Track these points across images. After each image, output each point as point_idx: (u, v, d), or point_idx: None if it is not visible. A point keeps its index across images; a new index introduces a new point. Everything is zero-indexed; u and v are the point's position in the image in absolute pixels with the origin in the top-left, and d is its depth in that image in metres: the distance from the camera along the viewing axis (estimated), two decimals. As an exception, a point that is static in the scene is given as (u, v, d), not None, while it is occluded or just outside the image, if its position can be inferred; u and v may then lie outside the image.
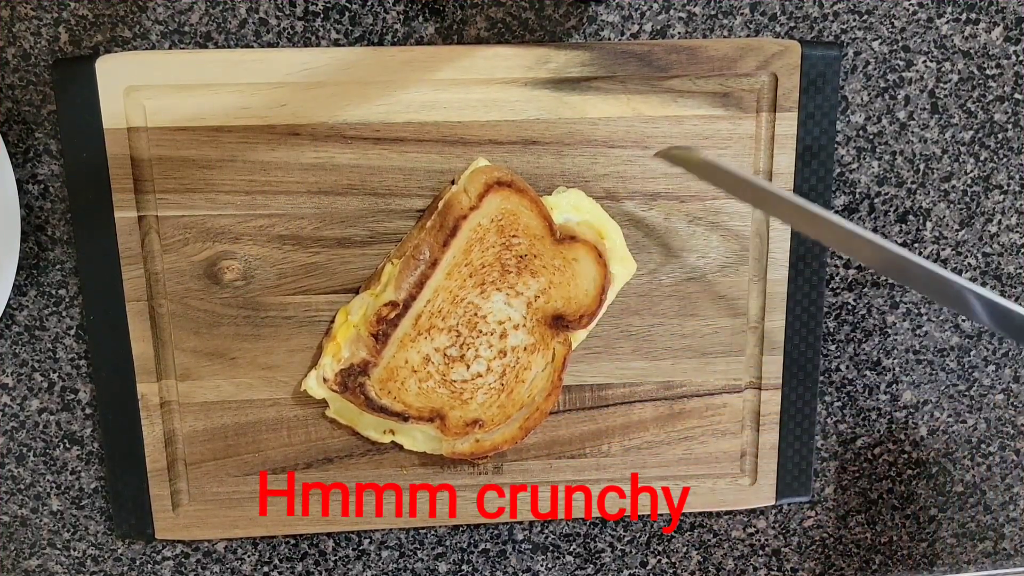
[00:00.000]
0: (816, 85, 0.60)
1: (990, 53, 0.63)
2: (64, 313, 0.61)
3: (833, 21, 0.61)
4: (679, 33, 0.60)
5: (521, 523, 0.68)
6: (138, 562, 0.66)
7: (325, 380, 0.59)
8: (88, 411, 0.63)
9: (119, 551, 0.66)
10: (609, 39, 0.60)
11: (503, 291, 0.58)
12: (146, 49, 0.58)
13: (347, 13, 0.59)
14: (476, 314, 0.58)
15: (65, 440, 0.64)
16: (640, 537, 0.69)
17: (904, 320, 0.67)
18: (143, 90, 0.57)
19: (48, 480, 0.64)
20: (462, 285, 0.58)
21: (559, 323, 0.59)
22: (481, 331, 0.59)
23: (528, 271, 0.58)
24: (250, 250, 0.60)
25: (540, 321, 0.59)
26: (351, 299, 0.60)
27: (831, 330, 0.66)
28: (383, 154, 0.59)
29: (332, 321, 0.61)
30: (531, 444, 0.65)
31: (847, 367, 0.67)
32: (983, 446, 0.70)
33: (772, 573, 0.71)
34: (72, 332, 0.62)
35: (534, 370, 0.60)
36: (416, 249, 0.57)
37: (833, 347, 0.67)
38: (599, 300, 0.59)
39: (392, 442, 0.63)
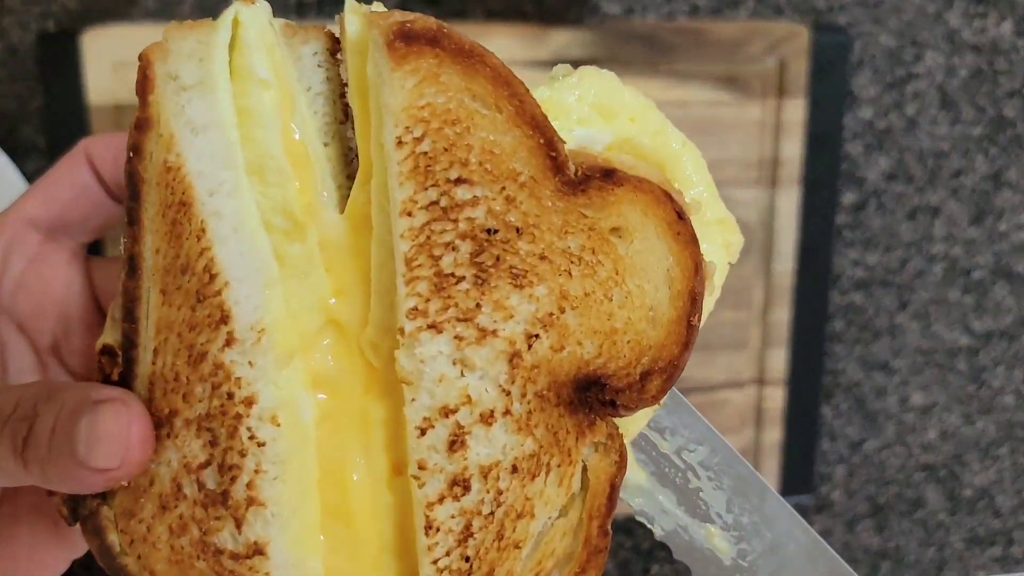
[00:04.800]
0: (824, 71, 0.59)
1: (1000, 48, 0.63)
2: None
3: (840, 13, 0.61)
4: (682, 25, 0.60)
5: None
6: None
7: (50, 493, 0.29)
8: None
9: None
10: (610, 31, 0.60)
11: (445, 331, 0.26)
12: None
13: (341, 4, 0.58)
14: (231, 396, 0.26)
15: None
16: (643, 544, 0.69)
17: (913, 321, 0.66)
18: (131, 66, 0.55)
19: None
20: (190, 321, 0.26)
21: (592, 397, 0.28)
22: (254, 437, 0.26)
23: (505, 273, 0.27)
24: None
25: (543, 398, 0.28)
26: None
27: (839, 331, 0.66)
28: None
29: None
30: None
31: (855, 368, 0.67)
32: (993, 449, 0.70)
33: (778, 580, 0.71)
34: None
35: (539, 519, 0.28)
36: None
37: (841, 348, 0.66)
38: (685, 329, 0.28)
39: None
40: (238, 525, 0.26)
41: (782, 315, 0.63)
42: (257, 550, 0.27)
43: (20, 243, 0.32)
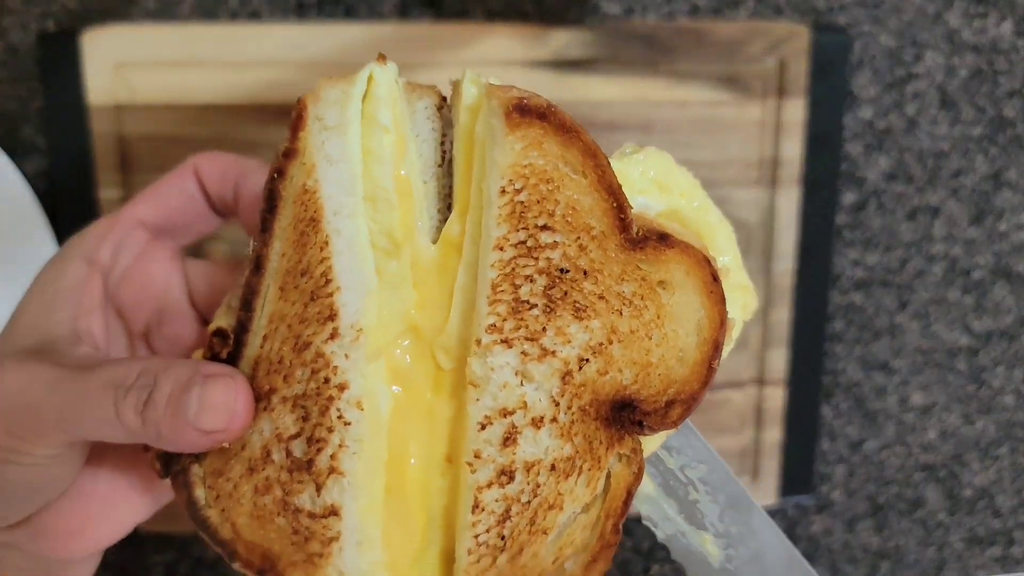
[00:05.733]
0: (824, 71, 0.59)
1: (999, 48, 0.62)
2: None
3: (840, 13, 0.61)
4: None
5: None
6: (128, 570, 0.65)
7: (145, 448, 0.34)
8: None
9: (108, 556, 0.65)
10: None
11: (514, 347, 0.32)
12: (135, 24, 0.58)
13: (342, 4, 0.58)
14: (328, 380, 0.32)
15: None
16: (642, 543, 0.69)
17: (913, 321, 0.66)
18: (131, 66, 0.56)
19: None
20: (302, 315, 0.32)
21: (625, 417, 0.33)
22: (342, 417, 0.32)
23: (570, 306, 0.32)
24: (238, 232, 0.59)
25: (585, 412, 0.33)
26: None
27: (839, 331, 0.66)
28: None
29: None
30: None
31: (855, 368, 0.67)
32: (992, 449, 0.70)
33: (777, 579, 0.70)
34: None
35: (567, 511, 0.33)
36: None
37: (841, 348, 0.66)
38: (706, 371, 0.33)
39: None
40: (318, 489, 0.32)
41: (782, 315, 0.63)
42: (332, 511, 0.32)
43: (130, 239, 0.37)
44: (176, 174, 0.38)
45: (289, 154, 0.31)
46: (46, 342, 0.34)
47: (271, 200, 0.32)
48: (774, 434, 0.65)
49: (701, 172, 0.61)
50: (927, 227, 0.65)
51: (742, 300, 0.36)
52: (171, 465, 0.33)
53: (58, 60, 0.56)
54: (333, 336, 0.31)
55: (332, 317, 0.31)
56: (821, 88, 0.59)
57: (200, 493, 0.33)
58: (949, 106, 0.63)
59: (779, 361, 0.63)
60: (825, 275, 0.62)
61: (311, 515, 0.32)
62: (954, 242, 0.65)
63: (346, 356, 0.31)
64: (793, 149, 0.60)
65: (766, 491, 0.66)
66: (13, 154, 0.58)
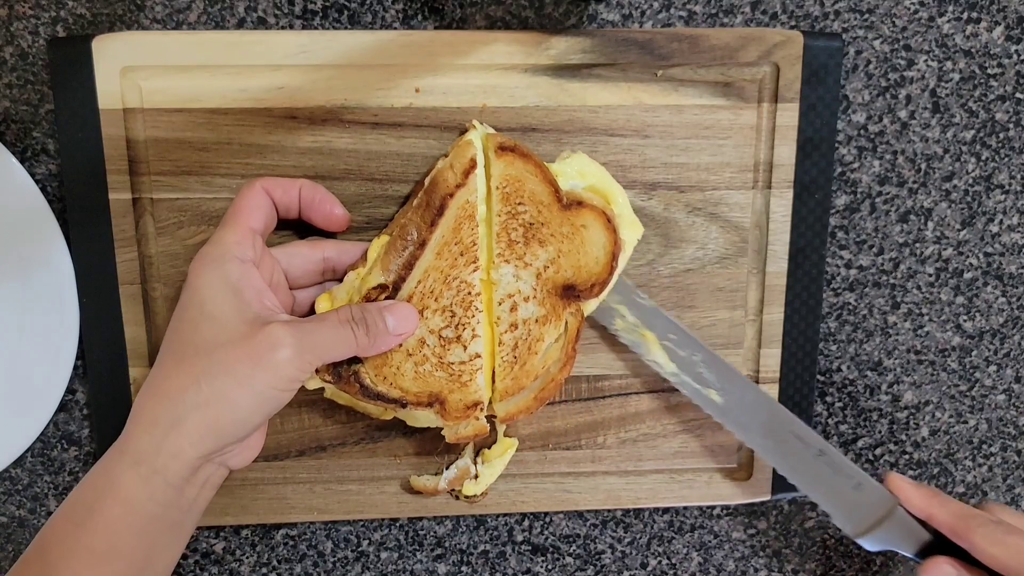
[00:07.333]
0: (818, 76, 0.60)
1: (991, 52, 0.63)
2: (62, 312, 0.61)
3: (834, 20, 0.61)
4: (679, 31, 0.60)
5: (521, 524, 0.68)
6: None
7: (317, 371, 0.55)
8: (85, 412, 0.63)
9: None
10: (609, 37, 0.60)
11: (511, 263, 0.56)
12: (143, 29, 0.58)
13: (346, 12, 0.58)
14: (470, 293, 0.55)
15: (63, 441, 0.63)
16: (640, 538, 0.69)
17: (905, 320, 0.67)
18: (140, 70, 0.57)
19: (46, 481, 0.64)
20: (453, 264, 0.55)
21: (570, 293, 0.57)
22: (478, 308, 0.56)
23: (536, 240, 0.56)
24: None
25: (550, 292, 0.57)
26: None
27: (832, 330, 0.66)
28: (381, 139, 0.59)
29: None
30: (526, 435, 0.64)
31: (848, 367, 0.67)
32: (984, 447, 0.70)
33: (773, 574, 0.71)
34: (70, 331, 0.61)
35: (547, 341, 0.57)
36: (403, 229, 0.55)
37: (834, 347, 0.67)
38: (610, 268, 0.57)
39: (394, 417, 0.61)
40: (465, 348, 0.56)
41: (777, 315, 0.63)
42: (477, 356, 0.56)
43: (256, 242, 0.53)
44: (253, 193, 0.54)
45: (461, 185, 0.54)
46: (254, 319, 0.50)
47: (441, 207, 0.54)
48: (768, 431, 0.65)
49: (697, 175, 0.63)
50: (919, 229, 0.65)
51: (631, 231, 0.59)
52: (339, 372, 0.55)
53: (68, 65, 0.56)
54: (475, 270, 0.55)
55: (475, 261, 0.55)
56: (815, 93, 0.60)
57: (368, 381, 0.55)
58: (941, 110, 0.63)
59: (774, 360, 0.64)
60: (819, 276, 0.63)
61: (462, 363, 0.56)
62: (946, 244, 0.66)
63: (476, 278, 0.55)
64: (787, 153, 0.60)
65: (761, 486, 0.66)
66: (24, 157, 0.59)
